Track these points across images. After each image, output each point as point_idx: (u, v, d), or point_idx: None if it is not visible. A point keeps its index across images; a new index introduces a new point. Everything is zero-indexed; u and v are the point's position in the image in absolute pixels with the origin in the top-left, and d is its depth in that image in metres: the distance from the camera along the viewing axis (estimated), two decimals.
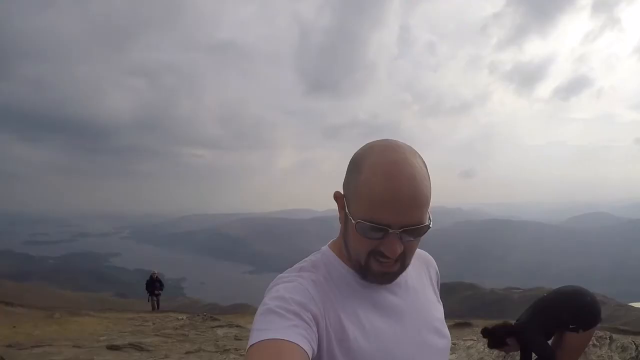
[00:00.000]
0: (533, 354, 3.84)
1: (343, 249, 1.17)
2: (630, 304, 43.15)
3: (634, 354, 5.24)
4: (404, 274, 1.19)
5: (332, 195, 1.17)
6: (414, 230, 1.15)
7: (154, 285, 17.23)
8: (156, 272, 17.48)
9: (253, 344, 1.14)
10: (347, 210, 1.16)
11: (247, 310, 28.64)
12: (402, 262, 1.16)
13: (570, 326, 3.64)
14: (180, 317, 12.55)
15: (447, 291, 60.16)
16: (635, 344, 5.43)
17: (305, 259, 1.22)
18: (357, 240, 1.16)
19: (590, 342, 5.27)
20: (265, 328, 1.14)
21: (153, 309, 16.98)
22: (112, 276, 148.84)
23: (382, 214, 1.14)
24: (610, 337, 5.65)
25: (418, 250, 1.26)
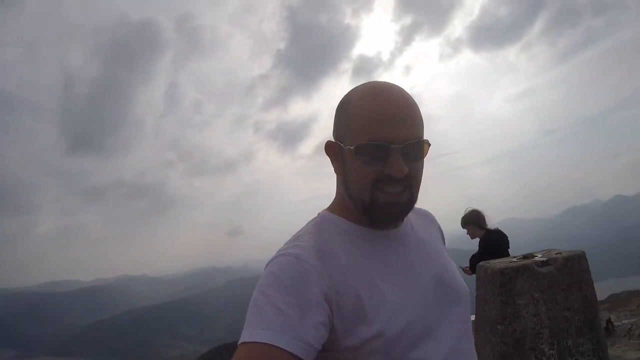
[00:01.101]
0: None
1: (345, 197, 1.14)
2: None
3: None
4: (412, 225, 1.21)
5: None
6: (415, 145, 1.06)
7: None
8: None
9: (243, 342, 1.06)
10: (343, 149, 1.10)
11: None
12: (410, 190, 1.09)
13: None
14: None
15: (231, 353, 63.78)
16: None
17: (303, 226, 1.17)
18: (359, 174, 1.07)
19: None
20: (256, 324, 1.05)
21: None
22: None
23: (381, 130, 1.06)
24: None
25: (419, 208, 1.28)
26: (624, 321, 9.19)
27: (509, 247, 5.13)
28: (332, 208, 1.18)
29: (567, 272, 2.56)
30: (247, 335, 1.05)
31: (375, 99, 1.06)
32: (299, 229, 1.13)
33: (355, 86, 1.14)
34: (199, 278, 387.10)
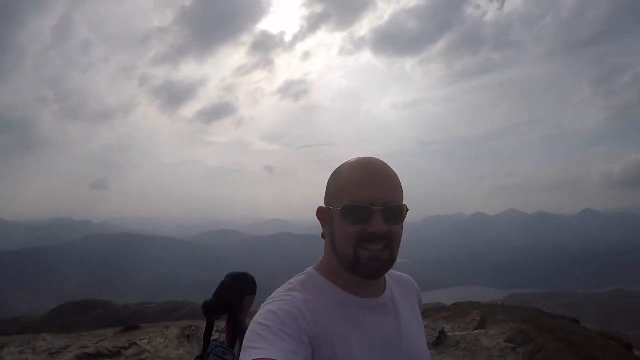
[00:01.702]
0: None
1: (332, 256, 1.31)
2: None
3: None
4: (393, 296, 1.38)
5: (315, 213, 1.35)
6: (395, 209, 1.25)
7: None
8: None
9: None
10: (332, 212, 1.29)
11: None
12: (390, 249, 1.26)
13: (248, 292, 5.87)
14: None
15: (78, 311, 59.11)
16: None
17: (291, 280, 1.33)
18: (344, 232, 1.25)
19: None
20: (258, 347, 1.19)
21: None
22: None
23: (364, 194, 1.24)
24: None
25: (402, 274, 1.49)
26: (456, 333, 10.40)
27: None
28: (319, 269, 1.35)
29: None
30: (248, 355, 1.20)
31: (361, 169, 1.27)
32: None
33: (345, 161, 1.35)
34: (54, 228, 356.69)
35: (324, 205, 1.33)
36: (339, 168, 1.34)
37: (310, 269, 1.36)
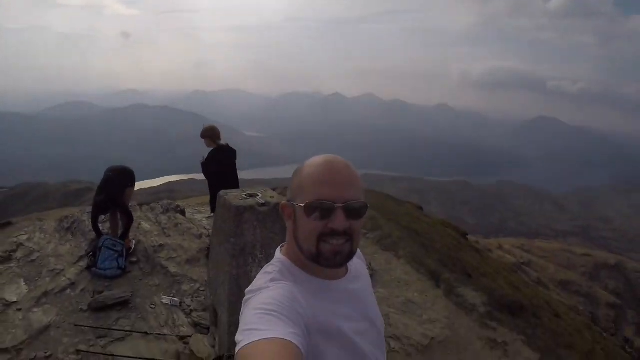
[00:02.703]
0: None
1: (295, 249, 1.38)
2: None
3: None
4: (355, 268, 1.51)
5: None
6: (356, 206, 1.31)
7: None
8: None
9: (249, 343, 1.09)
10: (295, 207, 1.34)
11: None
12: (351, 243, 1.32)
13: (129, 185, 6.44)
14: None
15: None
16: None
17: (267, 269, 1.41)
18: (306, 229, 1.32)
19: None
20: (260, 328, 1.13)
21: None
22: None
23: (325, 191, 1.29)
24: None
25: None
26: None
27: (235, 159, 6.92)
28: (289, 257, 1.43)
29: (275, 211, 4.27)
30: (249, 337, 1.10)
31: (323, 167, 1.33)
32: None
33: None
34: None
35: (286, 201, 1.41)
36: (301, 166, 1.41)
37: (280, 255, 1.45)
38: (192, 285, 5.94)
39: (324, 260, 1.32)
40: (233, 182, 6.75)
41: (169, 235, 7.23)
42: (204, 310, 5.41)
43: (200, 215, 9.26)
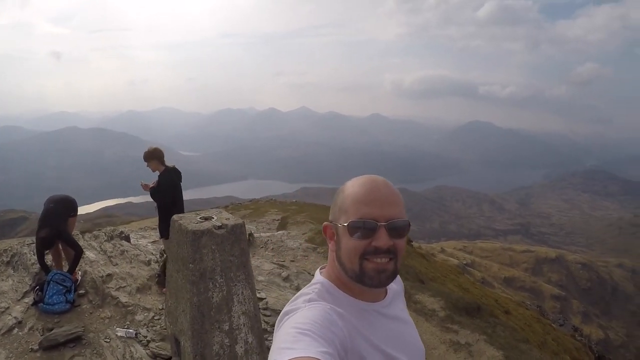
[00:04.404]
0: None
1: (337, 270, 1.38)
2: None
3: None
4: (393, 292, 1.49)
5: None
6: (399, 224, 1.31)
7: None
8: None
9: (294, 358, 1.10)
10: (337, 227, 1.36)
11: None
12: (395, 261, 1.33)
13: (71, 214, 6.28)
14: None
15: None
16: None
17: (305, 290, 1.40)
18: (349, 248, 1.32)
19: None
20: (293, 347, 1.12)
21: None
22: None
23: (368, 210, 1.30)
24: None
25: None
26: (261, 234, 11.81)
27: (181, 181, 6.66)
28: (329, 278, 1.43)
29: (233, 233, 4.22)
30: (283, 355, 1.10)
31: (363, 186, 1.35)
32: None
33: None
34: None
35: (329, 222, 1.42)
36: (343, 186, 1.42)
37: (320, 277, 1.45)
38: (146, 314, 5.74)
39: (367, 279, 1.31)
40: (180, 205, 6.51)
41: (116, 264, 6.98)
42: (162, 340, 5.22)
43: (145, 240, 9.00)
